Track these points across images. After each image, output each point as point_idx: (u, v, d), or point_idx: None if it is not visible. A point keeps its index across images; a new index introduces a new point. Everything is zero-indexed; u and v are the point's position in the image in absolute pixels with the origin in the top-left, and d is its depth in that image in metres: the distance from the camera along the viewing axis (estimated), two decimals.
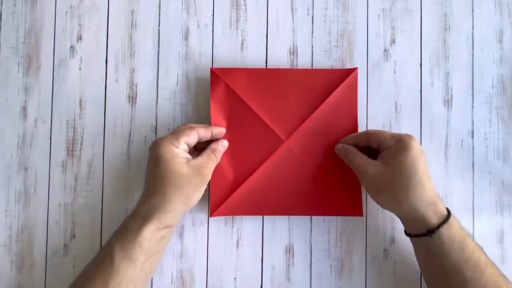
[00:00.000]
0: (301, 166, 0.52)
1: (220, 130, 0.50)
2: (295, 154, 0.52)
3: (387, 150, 0.46)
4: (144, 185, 0.47)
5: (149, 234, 0.43)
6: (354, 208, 0.51)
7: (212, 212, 0.51)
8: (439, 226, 0.43)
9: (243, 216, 0.52)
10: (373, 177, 0.46)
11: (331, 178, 0.51)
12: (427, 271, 0.47)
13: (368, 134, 0.49)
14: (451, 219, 0.44)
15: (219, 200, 0.51)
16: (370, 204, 0.53)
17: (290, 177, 0.51)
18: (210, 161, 0.48)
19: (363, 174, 0.47)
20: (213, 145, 0.49)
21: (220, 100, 0.52)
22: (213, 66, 0.54)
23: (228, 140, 0.51)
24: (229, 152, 0.51)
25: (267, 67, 0.54)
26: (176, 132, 0.47)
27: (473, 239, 0.45)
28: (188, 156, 0.47)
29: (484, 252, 0.44)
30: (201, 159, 0.47)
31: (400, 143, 0.45)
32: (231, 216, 0.52)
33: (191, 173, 0.45)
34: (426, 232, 0.44)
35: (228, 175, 0.51)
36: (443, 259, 0.44)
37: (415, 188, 0.43)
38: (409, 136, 0.46)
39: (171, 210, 0.44)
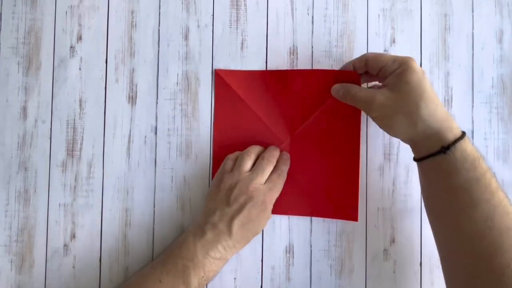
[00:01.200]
0: (300, 167, 0.52)
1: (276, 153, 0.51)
2: (294, 155, 0.52)
3: (391, 75, 0.45)
4: (232, 221, 0.46)
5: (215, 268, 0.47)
6: (349, 212, 0.51)
7: None
8: (455, 142, 0.42)
9: None
10: (383, 104, 0.44)
11: (329, 181, 0.51)
12: (432, 195, 0.45)
13: (367, 59, 0.47)
14: (466, 137, 0.43)
15: None
16: (370, 205, 0.53)
17: (289, 177, 0.51)
18: (273, 203, 0.49)
19: (371, 105, 0.45)
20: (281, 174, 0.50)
21: (223, 101, 0.53)
22: (213, 66, 0.54)
23: (230, 140, 0.52)
24: (230, 152, 0.51)
25: (267, 67, 0.54)
26: (277, 188, 0.49)
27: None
28: None
29: (495, 178, 0.43)
30: (275, 195, 0.49)
31: (403, 65, 0.44)
32: None
33: (267, 223, 0.49)
34: (440, 149, 0.43)
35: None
36: (453, 177, 0.42)
37: (427, 105, 0.43)
38: (410, 58, 0.44)
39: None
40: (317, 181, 0.52)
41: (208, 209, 0.47)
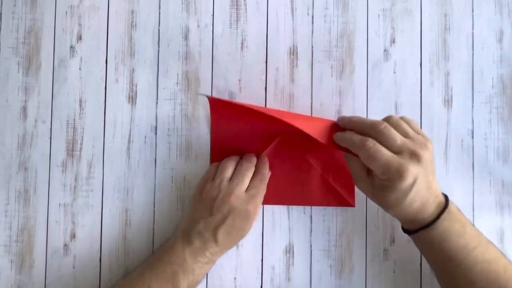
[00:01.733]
0: (297, 157, 0.52)
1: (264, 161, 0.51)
2: (292, 145, 0.52)
3: (377, 178, 0.43)
4: (213, 223, 0.46)
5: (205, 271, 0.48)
6: (346, 199, 0.52)
7: None
8: (425, 227, 0.43)
9: None
10: (361, 190, 0.46)
11: (325, 169, 0.52)
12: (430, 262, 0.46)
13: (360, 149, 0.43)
14: (447, 210, 0.43)
15: None
16: (370, 205, 0.53)
17: (287, 167, 0.52)
18: (259, 207, 0.50)
19: (354, 180, 0.47)
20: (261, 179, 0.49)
21: (220, 124, 0.52)
22: (213, 66, 0.54)
23: (227, 133, 0.52)
24: (228, 144, 0.52)
25: (267, 67, 0.54)
26: (260, 194, 0.48)
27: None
28: None
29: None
30: (258, 211, 0.49)
31: (392, 176, 0.41)
32: None
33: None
34: (421, 228, 0.44)
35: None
36: (441, 249, 0.43)
37: (409, 205, 0.43)
38: (402, 169, 0.40)
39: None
40: (313, 170, 0.52)
41: (193, 217, 0.48)
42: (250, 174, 0.49)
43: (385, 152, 0.41)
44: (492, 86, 0.55)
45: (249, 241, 0.52)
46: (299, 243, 0.53)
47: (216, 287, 0.52)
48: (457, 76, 0.55)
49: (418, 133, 0.43)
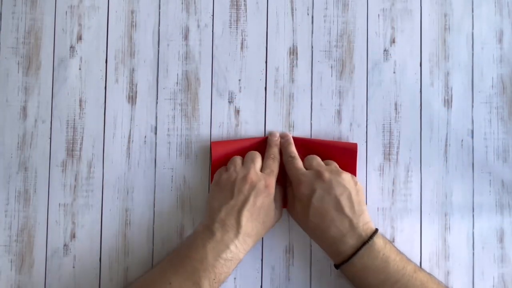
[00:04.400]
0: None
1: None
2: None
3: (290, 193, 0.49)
4: (240, 213, 0.46)
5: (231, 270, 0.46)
6: None
7: None
8: (341, 264, 0.46)
9: None
10: (292, 216, 0.51)
11: None
12: None
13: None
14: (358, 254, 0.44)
15: None
16: (370, 205, 0.53)
17: (286, 172, 0.52)
18: (280, 200, 0.51)
19: (289, 208, 0.51)
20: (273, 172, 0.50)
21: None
22: (213, 66, 0.54)
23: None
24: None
25: (267, 67, 0.54)
26: (274, 172, 0.49)
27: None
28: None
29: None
30: (279, 203, 0.50)
31: (295, 184, 0.48)
32: None
33: (277, 220, 0.50)
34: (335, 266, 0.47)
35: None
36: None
37: (317, 222, 0.46)
38: (304, 175, 0.47)
39: (248, 251, 0.47)
40: None
41: (212, 208, 0.47)
42: (259, 157, 0.50)
43: (297, 166, 0.49)
44: (492, 86, 0.55)
45: None
46: (299, 243, 0.53)
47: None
48: (457, 76, 0.55)
49: (346, 173, 0.48)
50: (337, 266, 0.47)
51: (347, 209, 0.45)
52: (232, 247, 0.44)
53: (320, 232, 0.46)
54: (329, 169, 0.48)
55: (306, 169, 0.49)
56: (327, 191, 0.46)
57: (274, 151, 0.51)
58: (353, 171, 0.51)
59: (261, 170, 0.49)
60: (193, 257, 0.44)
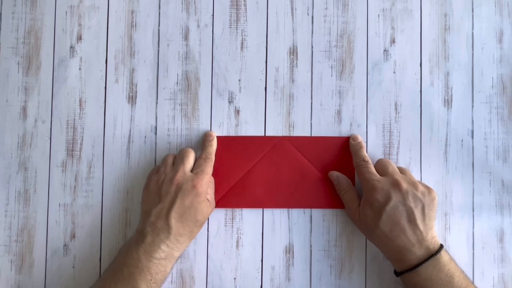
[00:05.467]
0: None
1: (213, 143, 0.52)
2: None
3: (364, 199, 0.48)
4: (170, 212, 0.46)
5: (170, 270, 0.48)
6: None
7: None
8: (403, 272, 0.46)
9: (243, 216, 0.52)
10: (351, 217, 0.51)
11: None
12: None
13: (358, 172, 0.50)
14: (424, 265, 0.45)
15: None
16: None
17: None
18: (213, 189, 0.51)
19: (346, 209, 0.51)
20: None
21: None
22: (213, 66, 0.54)
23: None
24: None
25: (267, 67, 0.54)
26: (205, 171, 0.49)
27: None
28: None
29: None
30: (211, 194, 0.50)
31: (368, 190, 0.48)
32: (230, 209, 0.52)
33: (210, 213, 0.50)
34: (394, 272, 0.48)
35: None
36: None
37: (387, 230, 0.46)
38: (379, 182, 0.47)
39: (186, 247, 0.49)
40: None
41: (143, 213, 0.48)
42: (191, 156, 0.49)
43: (371, 171, 0.49)
44: (492, 86, 0.55)
45: (249, 241, 0.52)
46: (299, 243, 0.53)
47: (216, 287, 0.52)
48: (457, 76, 0.55)
49: (422, 185, 0.48)
50: (397, 273, 0.47)
51: (419, 221, 0.46)
52: (164, 247, 0.46)
53: (386, 240, 0.46)
54: (407, 179, 0.47)
55: (379, 173, 0.49)
56: (402, 201, 0.46)
57: (208, 151, 0.51)
58: (350, 165, 0.52)
59: (192, 169, 0.49)
60: (128, 263, 0.45)
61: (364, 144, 0.52)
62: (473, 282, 0.50)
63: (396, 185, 0.46)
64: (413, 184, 0.47)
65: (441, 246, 0.46)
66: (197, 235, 0.51)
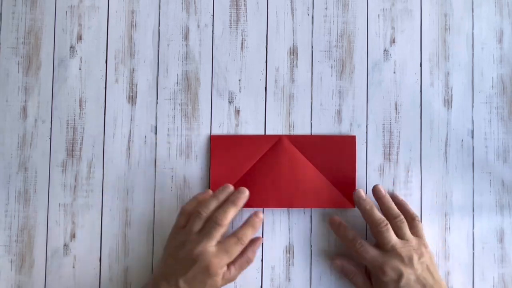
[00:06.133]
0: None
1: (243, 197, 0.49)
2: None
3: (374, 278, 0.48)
4: (180, 274, 0.45)
5: None
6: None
7: None
8: None
9: (243, 216, 0.52)
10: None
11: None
12: None
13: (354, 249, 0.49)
14: None
15: None
16: None
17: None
18: (243, 270, 0.48)
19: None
20: (249, 255, 0.48)
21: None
22: (213, 66, 0.54)
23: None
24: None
25: (267, 67, 0.54)
26: (230, 254, 0.46)
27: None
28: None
29: None
30: (237, 273, 0.47)
31: (376, 272, 0.47)
32: None
33: (223, 284, 0.47)
34: None
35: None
36: None
37: None
38: (386, 261, 0.46)
39: None
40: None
41: (162, 262, 0.47)
42: (218, 232, 0.46)
43: (370, 252, 0.47)
44: (492, 86, 0.55)
45: None
46: (299, 243, 0.53)
47: None
48: (457, 76, 0.55)
49: (417, 236, 0.48)
50: None
51: (431, 282, 0.46)
52: None
53: None
54: (412, 246, 0.47)
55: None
56: (414, 274, 0.46)
57: (246, 234, 0.47)
58: (352, 164, 0.52)
59: (219, 241, 0.46)
60: None
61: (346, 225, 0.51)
62: (473, 284, 0.50)
63: (401, 259, 0.46)
64: (415, 250, 0.47)
65: None
66: None
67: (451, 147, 0.54)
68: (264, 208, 0.53)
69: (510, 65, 0.55)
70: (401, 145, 0.54)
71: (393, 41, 0.55)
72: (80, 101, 0.53)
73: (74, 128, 0.53)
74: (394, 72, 0.54)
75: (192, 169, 0.53)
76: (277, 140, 0.53)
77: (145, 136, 0.53)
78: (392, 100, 0.54)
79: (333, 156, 0.53)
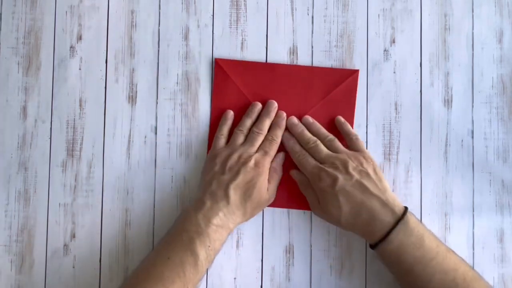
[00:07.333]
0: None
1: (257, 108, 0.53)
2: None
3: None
4: (228, 190, 0.47)
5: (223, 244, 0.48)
6: None
7: None
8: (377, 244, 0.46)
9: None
10: (318, 215, 0.51)
11: None
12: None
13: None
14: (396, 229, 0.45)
15: None
16: None
17: (284, 169, 0.52)
18: (276, 182, 0.51)
19: (311, 208, 0.51)
20: (273, 164, 0.51)
21: (222, 90, 0.53)
22: (213, 66, 0.54)
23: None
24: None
25: None
26: (268, 153, 0.50)
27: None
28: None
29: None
30: (273, 184, 0.50)
31: (313, 180, 0.49)
32: None
33: (267, 199, 0.50)
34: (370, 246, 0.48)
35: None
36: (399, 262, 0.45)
37: (350, 209, 0.47)
38: (322, 169, 0.48)
39: (239, 223, 0.49)
40: None
41: (205, 181, 0.49)
42: (260, 138, 0.51)
43: (310, 162, 0.49)
44: (492, 86, 0.55)
45: (249, 241, 0.52)
46: (299, 243, 0.53)
47: (216, 287, 0.52)
48: (457, 76, 0.55)
49: (358, 151, 0.50)
50: (372, 246, 0.47)
51: (372, 189, 0.46)
52: (221, 214, 0.46)
53: (353, 218, 0.47)
54: (346, 156, 0.48)
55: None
56: (350, 179, 0.47)
57: (276, 133, 0.51)
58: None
59: (258, 149, 0.50)
60: (187, 228, 0.46)
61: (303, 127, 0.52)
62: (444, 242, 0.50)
63: (335, 166, 0.47)
64: (348, 157, 0.48)
65: (406, 209, 0.46)
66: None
67: (451, 147, 0.54)
68: (264, 208, 0.53)
69: (510, 65, 0.55)
70: (401, 145, 0.54)
71: (393, 41, 0.55)
72: (80, 101, 0.53)
73: (74, 128, 0.53)
74: (394, 72, 0.54)
75: (192, 169, 0.53)
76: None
77: (145, 136, 0.53)
78: (392, 100, 0.54)
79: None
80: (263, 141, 0.51)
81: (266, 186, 0.49)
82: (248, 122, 0.52)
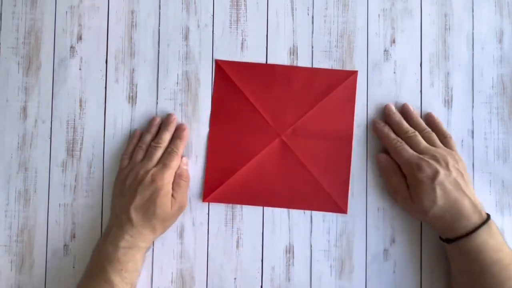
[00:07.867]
0: (294, 161, 0.52)
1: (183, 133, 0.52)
2: (289, 148, 0.52)
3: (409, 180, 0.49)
4: (128, 210, 0.47)
5: (141, 262, 0.49)
6: (339, 205, 0.52)
7: (205, 197, 0.52)
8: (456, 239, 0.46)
9: (243, 216, 0.52)
10: (401, 204, 0.51)
11: (321, 175, 0.52)
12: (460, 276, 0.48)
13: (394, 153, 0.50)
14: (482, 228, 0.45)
15: (213, 186, 0.52)
16: (370, 205, 0.53)
17: (283, 170, 0.52)
18: (184, 188, 0.51)
19: (393, 196, 0.51)
20: (178, 171, 0.50)
21: (222, 92, 0.53)
22: (213, 66, 0.54)
23: (226, 130, 0.53)
24: (226, 141, 0.52)
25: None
26: (167, 165, 0.49)
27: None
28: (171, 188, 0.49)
29: None
30: (180, 192, 0.50)
31: (412, 170, 0.48)
32: (225, 204, 0.52)
33: (176, 210, 0.49)
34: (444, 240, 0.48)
35: (223, 162, 0.52)
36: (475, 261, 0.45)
37: (443, 204, 0.46)
38: (422, 160, 0.47)
39: (152, 239, 0.50)
40: (307, 175, 0.52)
41: (113, 206, 0.51)
42: (159, 152, 0.50)
43: (408, 151, 0.49)
44: (492, 86, 0.55)
45: (249, 241, 0.52)
46: (299, 243, 0.53)
47: (216, 287, 0.52)
48: (457, 76, 0.55)
49: (449, 147, 0.50)
50: (449, 241, 0.47)
51: (465, 190, 0.47)
52: (127, 237, 0.47)
53: (443, 213, 0.47)
54: (443, 151, 0.49)
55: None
56: (449, 174, 0.47)
57: (176, 144, 0.50)
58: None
59: (158, 162, 0.50)
60: (99, 257, 0.47)
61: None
62: None
63: (436, 159, 0.47)
64: (447, 154, 0.48)
65: (489, 215, 0.47)
66: (198, 235, 0.51)
67: None
68: (264, 209, 0.53)
69: (510, 65, 0.55)
70: None
71: (393, 41, 0.55)
72: (80, 101, 0.53)
73: (74, 128, 0.53)
74: (394, 72, 0.54)
75: (192, 169, 0.53)
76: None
77: None
78: (392, 100, 0.54)
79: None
80: (163, 154, 0.50)
81: (169, 199, 0.48)
82: (147, 137, 0.51)
